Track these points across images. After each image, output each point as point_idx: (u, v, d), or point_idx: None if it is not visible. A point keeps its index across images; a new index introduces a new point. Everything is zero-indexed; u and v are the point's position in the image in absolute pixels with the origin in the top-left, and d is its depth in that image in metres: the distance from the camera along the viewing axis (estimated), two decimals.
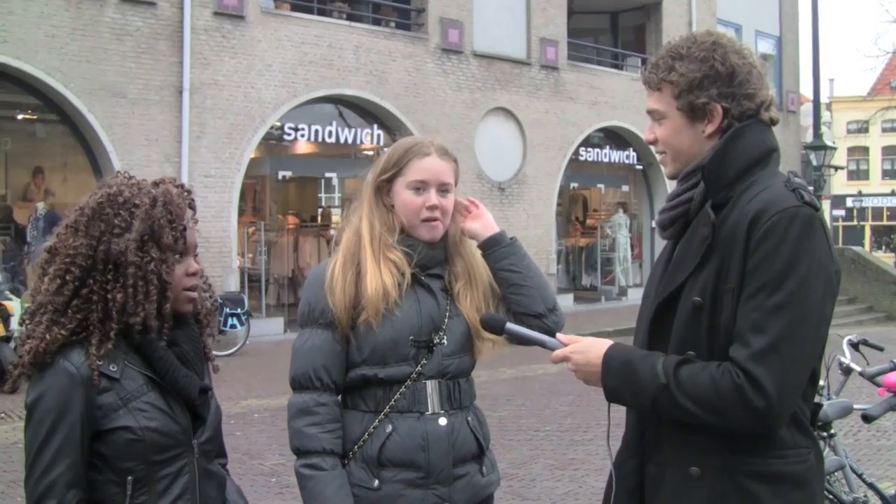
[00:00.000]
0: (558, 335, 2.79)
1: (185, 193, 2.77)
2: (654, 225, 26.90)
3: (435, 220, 3.15)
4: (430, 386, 3.08)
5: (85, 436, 2.49)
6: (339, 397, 3.15)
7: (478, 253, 3.28)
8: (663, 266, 2.77)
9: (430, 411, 3.07)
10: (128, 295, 2.54)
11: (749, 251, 2.45)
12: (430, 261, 3.19)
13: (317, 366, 3.08)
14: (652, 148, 2.81)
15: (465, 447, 3.11)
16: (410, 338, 3.07)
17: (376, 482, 3.02)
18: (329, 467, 3.01)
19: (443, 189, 3.17)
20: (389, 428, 3.04)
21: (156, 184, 2.74)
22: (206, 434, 2.72)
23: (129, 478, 2.53)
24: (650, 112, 2.74)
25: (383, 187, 3.22)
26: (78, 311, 2.54)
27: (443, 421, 3.08)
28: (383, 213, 3.19)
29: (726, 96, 2.61)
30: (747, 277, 2.45)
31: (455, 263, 3.24)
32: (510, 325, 2.93)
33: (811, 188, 22.22)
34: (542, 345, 2.83)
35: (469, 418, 3.16)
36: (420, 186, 3.14)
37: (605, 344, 2.68)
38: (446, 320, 3.15)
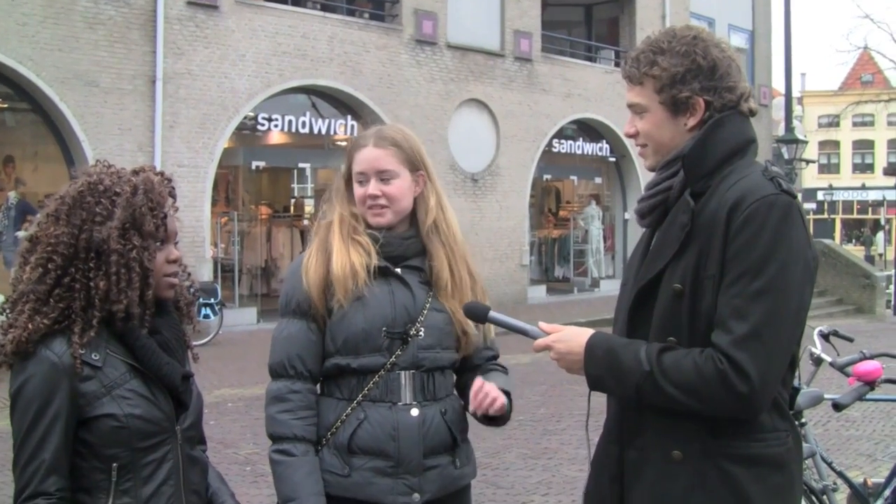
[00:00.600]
0: (540, 324, 2.79)
1: (166, 181, 2.78)
2: (627, 216, 27.09)
3: (378, 206, 3.16)
4: (404, 377, 3.10)
5: (69, 424, 2.49)
6: (316, 384, 3.17)
7: (459, 243, 3.27)
8: (641, 254, 2.79)
9: (402, 402, 3.09)
10: (110, 282, 2.55)
11: (729, 238, 2.48)
12: (406, 251, 3.20)
13: (291, 354, 3.11)
14: (631, 141, 2.83)
15: (436, 438, 3.12)
16: (384, 329, 3.08)
17: (347, 469, 3.05)
18: (299, 453, 3.04)
19: (382, 177, 3.16)
20: (361, 416, 3.06)
21: (136, 172, 2.73)
22: (188, 420, 2.74)
23: (114, 464, 2.54)
24: (631, 106, 2.76)
25: (348, 181, 3.25)
26: (60, 299, 2.55)
27: (414, 412, 3.09)
28: (351, 205, 3.23)
29: (708, 90, 2.64)
30: (728, 264, 2.48)
31: (433, 256, 3.22)
32: (493, 314, 2.93)
33: None
34: (525, 333, 2.84)
35: (444, 410, 3.16)
36: (362, 179, 3.18)
37: (587, 333, 2.70)
38: (425, 312, 3.15)
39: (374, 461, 3.04)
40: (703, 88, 2.64)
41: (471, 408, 3.09)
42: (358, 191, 3.18)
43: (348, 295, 3.08)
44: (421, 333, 3.12)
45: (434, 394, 3.15)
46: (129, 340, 2.61)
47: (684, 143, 2.67)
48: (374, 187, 3.14)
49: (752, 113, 2.75)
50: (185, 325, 2.88)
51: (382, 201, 3.15)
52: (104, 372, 2.55)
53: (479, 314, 2.95)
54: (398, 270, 3.17)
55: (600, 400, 2.80)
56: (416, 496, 3.06)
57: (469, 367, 3.31)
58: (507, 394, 3.12)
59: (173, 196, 2.79)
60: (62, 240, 2.56)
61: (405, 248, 3.20)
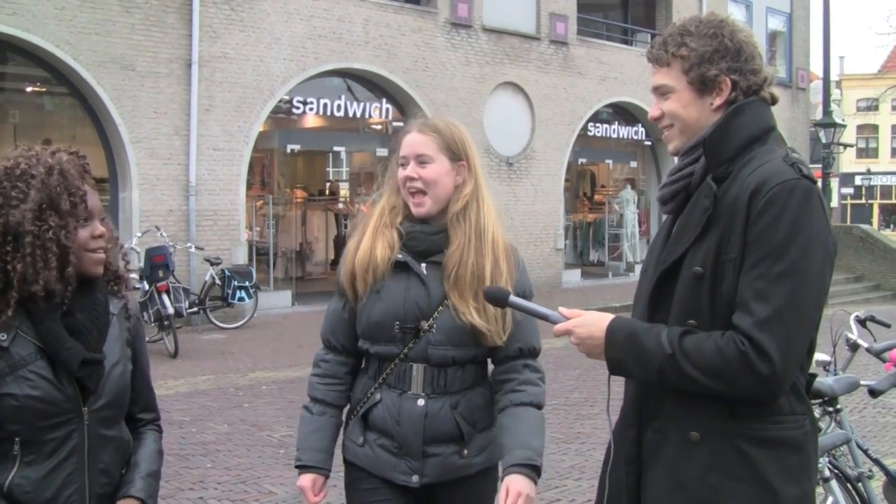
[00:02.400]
0: (561, 308, 2.83)
1: (80, 159, 2.82)
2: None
3: (415, 192, 3.29)
4: (416, 369, 3.27)
5: None
6: (350, 357, 3.46)
7: (489, 235, 3.32)
8: (663, 239, 2.83)
9: (411, 391, 3.27)
10: (26, 264, 2.62)
11: (750, 222, 2.52)
12: (431, 246, 3.31)
13: (327, 329, 3.48)
14: (657, 125, 2.87)
15: (440, 429, 3.26)
16: (396, 323, 3.25)
17: (361, 439, 3.34)
18: (315, 412, 3.44)
19: (420, 161, 3.30)
20: (378, 397, 3.32)
21: (52, 153, 2.78)
22: (100, 401, 2.79)
23: (17, 439, 2.66)
24: (657, 88, 2.81)
25: (397, 169, 3.39)
26: None
27: (420, 402, 3.26)
28: (396, 192, 3.39)
29: (735, 70, 2.71)
30: (749, 248, 2.51)
31: (450, 244, 3.29)
32: (513, 298, 2.96)
33: (820, 165, 21.99)
34: (545, 318, 2.87)
35: (456, 404, 3.28)
36: (403, 162, 3.34)
37: (607, 317, 2.73)
38: (440, 308, 3.26)
39: (383, 439, 3.30)
40: (730, 69, 2.71)
41: None
42: (399, 173, 3.33)
43: (366, 287, 3.30)
44: (433, 330, 3.25)
45: (445, 387, 3.28)
46: (34, 323, 2.69)
47: (709, 124, 2.72)
48: (410, 169, 3.29)
49: (775, 100, 2.80)
50: (114, 301, 2.91)
51: (418, 184, 3.28)
52: (10, 352, 2.65)
53: (499, 298, 2.98)
54: (423, 266, 3.29)
55: (622, 384, 2.82)
56: (416, 478, 3.26)
57: (499, 358, 3.38)
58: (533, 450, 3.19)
59: (88, 172, 2.83)
60: None
61: (430, 244, 3.31)
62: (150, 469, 2.97)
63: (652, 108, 2.86)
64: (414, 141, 3.32)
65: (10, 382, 2.63)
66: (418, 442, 3.24)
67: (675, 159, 2.83)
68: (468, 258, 3.25)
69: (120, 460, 2.90)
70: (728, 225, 2.56)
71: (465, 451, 3.30)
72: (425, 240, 3.30)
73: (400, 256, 3.28)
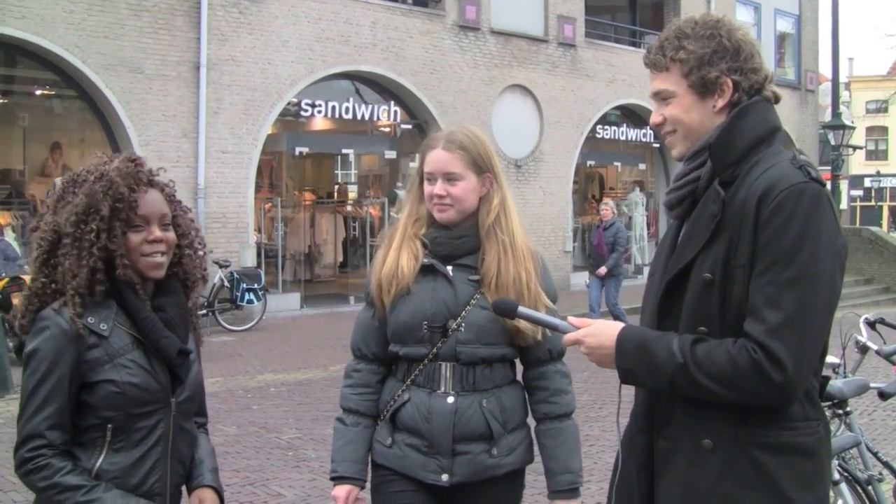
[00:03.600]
0: (570, 318, 2.83)
1: (135, 167, 2.94)
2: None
3: (443, 205, 3.37)
4: (445, 367, 3.34)
5: (72, 386, 2.76)
6: (381, 365, 3.50)
7: (519, 243, 3.43)
8: (670, 244, 2.80)
9: (441, 389, 3.34)
10: (72, 263, 2.79)
11: (759, 227, 2.49)
12: (455, 250, 3.40)
13: (358, 338, 3.52)
14: (659, 130, 2.85)
15: (469, 427, 3.32)
16: (425, 322, 3.33)
17: (389, 440, 3.39)
18: (350, 424, 3.44)
19: (448, 178, 3.37)
20: (406, 397, 3.36)
21: (111, 161, 2.95)
22: (184, 394, 2.98)
23: (109, 426, 2.81)
24: (657, 93, 2.78)
25: (421, 178, 3.46)
26: (44, 276, 2.84)
27: (450, 400, 3.32)
28: (419, 202, 3.47)
29: (735, 70, 2.67)
30: (758, 253, 2.48)
31: (486, 253, 3.39)
32: (522, 309, 2.98)
33: (829, 167, 21.86)
34: (555, 328, 2.89)
35: (485, 402, 3.35)
36: (430, 178, 3.40)
37: (617, 326, 2.71)
38: (468, 308, 3.34)
39: (412, 438, 3.35)
40: (731, 69, 2.67)
41: None
42: (427, 188, 3.40)
43: (394, 295, 3.37)
44: (462, 328, 3.32)
45: (474, 385, 3.35)
46: (133, 314, 2.86)
47: (713, 127, 2.69)
48: (440, 188, 3.37)
49: (777, 99, 2.77)
50: (190, 304, 3.10)
51: (448, 200, 3.37)
52: (109, 341, 2.81)
53: (508, 310, 3.02)
54: (449, 269, 3.39)
55: (631, 392, 2.80)
56: (446, 476, 3.31)
57: (530, 361, 3.49)
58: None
59: (150, 180, 2.95)
60: (50, 227, 2.86)
61: (454, 248, 3.40)
62: (213, 465, 3.15)
63: (653, 114, 2.83)
64: (441, 159, 3.37)
65: (110, 370, 2.79)
66: (448, 439, 3.29)
67: (681, 163, 2.81)
68: (505, 266, 3.36)
69: (190, 453, 3.08)
70: (736, 230, 2.53)
71: (495, 451, 3.35)
72: (450, 244, 3.40)
73: (425, 260, 3.37)
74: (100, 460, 2.80)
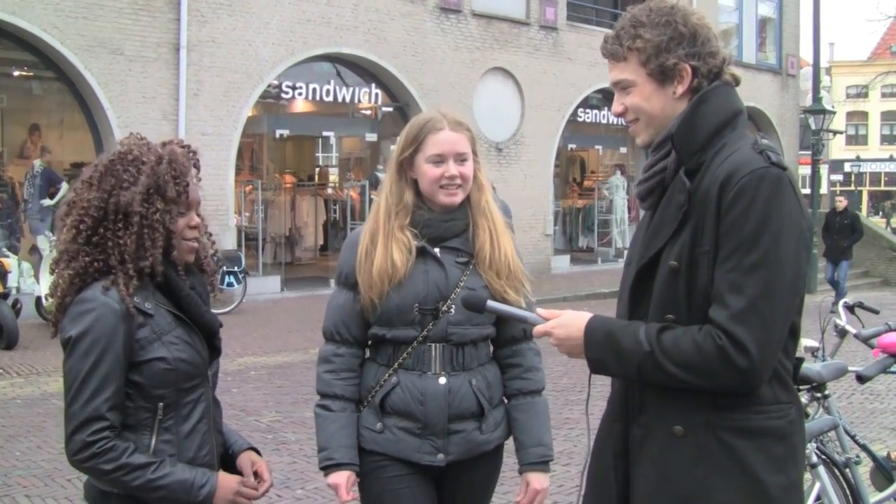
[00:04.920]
0: (539, 310, 2.87)
1: (191, 153, 3.04)
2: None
3: (453, 187, 3.38)
4: (435, 349, 3.36)
5: (125, 365, 2.79)
6: (361, 349, 3.50)
7: (501, 221, 3.50)
8: (643, 234, 2.82)
9: (431, 371, 3.36)
10: (134, 241, 2.81)
11: (721, 214, 2.51)
12: (446, 232, 3.43)
13: (338, 322, 3.46)
14: (622, 119, 2.87)
15: (462, 405, 3.37)
16: (416, 305, 3.34)
17: (379, 425, 3.37)
18: (337, 409, 3.40)
19: (460, 159, 3.39)
20: (395, 381, 3.37)
21: (164, 144, 2.99)
22: (214, 367, 3.09)
23: (161, 404, 2.86)
24: (617, 83, 2.79)
25: (405, 163, 3.44)
26: (87, 254, 2.83)
27: (442, 380, 3.36)
28: (402, 188, 3.44)
29: (693, 56, 2.68)
30: (721, 239, 2.51)
31: (479, 229, 3.44)
32: (491, 303, 3.05)
33: (809, 152, 22.05)
34: (524, 321, 2.95)
35: (473, 380, 3.41)
36: (438, 159, 3.37)
37: (585, 316, 2.74)
38: (457, 290, 3.36)
39: (404, 422, 3.35)
40: (688, 55, 2.68)
41: None
42: (433, 171, 3.37)
43: (385, 289, 3.34)
44: (452, 310, 3.35)
45: (463, 365, 3.40)
46: (175, 292, 2.92)
47: (675, 113, 2.70)
48: (454, 168, 3.37)
49: (737, 81, 2.78)
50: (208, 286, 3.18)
51: (458, 181, 3.39)
52: (155, 320, 2.86)
53: (477, 304, 3.09)
54: (436, 251, 3.40)
55: (605, 381, 2.83)
56: (441, 456, 3.35)
57: (505, 339, 3.55)
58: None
59: (197, 167, 3.07)
60: (93, 203, 2.83)
61: (444, 230, 3.42)
62: (236, 432, 3.28)
63: (614, 103, 2.83)
64: (453, 139, 3.39)
65: (159, 347, 2.84)
66: (443, 419, 3.34)
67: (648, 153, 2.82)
68: (498, 243, 3.44)
69: (221, 422, 3.16)
70: (701, 217, 2.55)
71: (484, 426, 3.42)
72: (440, 226, 3.42)
73: (417, 243, 3.38)
74: (153, 440, 2.84)
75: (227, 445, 3.17)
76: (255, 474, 3.09)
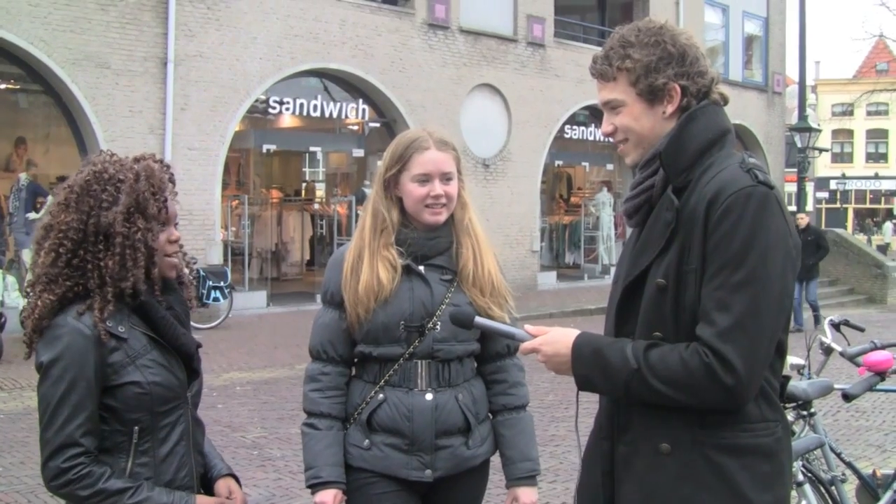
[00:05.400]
0: (526, 326, 2.86)
1: (165, 168, 2.99)
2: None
3: (439, 206, 3.39)
4: (421, 365, 3.38)
5: (97, 390, 2.77)
6: (347, 367, 3.50)
7: (484, 239, 3.53)
8: (630, 252, 2.83)
9: (418, 387, 3.38)
10: (117, 262, 2.79)
11: (708, 232, 2.51)
12: (430, 251, 3.44)
13: (324, 340, 3.46)
14: (610, 140, 2.86)
15: (449, 421, 3.39)
16: (402, 322, 3.35)
17: (367, 442, 3.38)
18: (324, 427, 3.39)
19: (445, 178, 3.40)
20: (382, 398, 3.37)
21: (137, 160, 2.95)
22: (195, 387, 3.06)
23: (136, 427, 2.84)
24: (606, 103, 2.79)
25: (390, 182, 3.45)
26: (68, 278, 2.81)
27: (429, 396, 3.37)
28: (388, 206, 3.45)
29: (682, 75, 2.69)
30: (708, 257, 2.51)
31: (462, 247, 3.46)
32: (479, 319, 3.04)
33: (795, 169, 22.04)
34: (511, 337, 2.94)
35: (460, 396, 3.43)
36: (424, 178, 3.38)
37: (572, 333, 2.74)
38: (443, 307, 3.38)
39: (391, 438, 3.36)
40: (677, 74, 2.68)
41: None
42: (419, 190, 3.38)
43: (371, 306, 3.35)
44: (437, 327, 3.37)
45: (449, 381, 3.42)
46: (149, 314, 2.89)
47: (664, 133, 2.70)
48: (440, 188, 3.38)
49: (725, 101, 2.78)
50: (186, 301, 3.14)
51: (443, 200, 3.40)
52: (128, 343, 2.83)
53: (464, 320, 3.08)
54: (421, 269, 3.42)
55: (593, 398, 2.83)
56: (429, 472, 3.37)
57: (490, 355, 3.58)
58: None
59: (172, 181, 3.01)
60: (72, 226, 2.80)
61: (429, 248, 3.44)
62: (219, 454, 3.25)
63: (604, 123, 2.83)
64: (439, 159, 3.39)
65: (133, 371, 2.82)
66: (431, 435, 3.35)
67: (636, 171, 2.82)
68: (481, 260, 3.47)
69: (204, 443, 3.14)
70: (688, 235, 2.56)
71: (470, 442, 3.44)
72: (424, 244, 3.43)
73: (402, 261, 3.39)
74: (129, 464, 2.83)
75: (208, 468, 3.15)
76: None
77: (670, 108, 2.69)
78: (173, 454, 2.92)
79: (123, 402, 2.80)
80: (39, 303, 2.79)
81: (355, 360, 3.50)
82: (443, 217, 3.42)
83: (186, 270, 3.14)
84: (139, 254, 2.81)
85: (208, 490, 3.09)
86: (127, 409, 2.81)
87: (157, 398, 2.84)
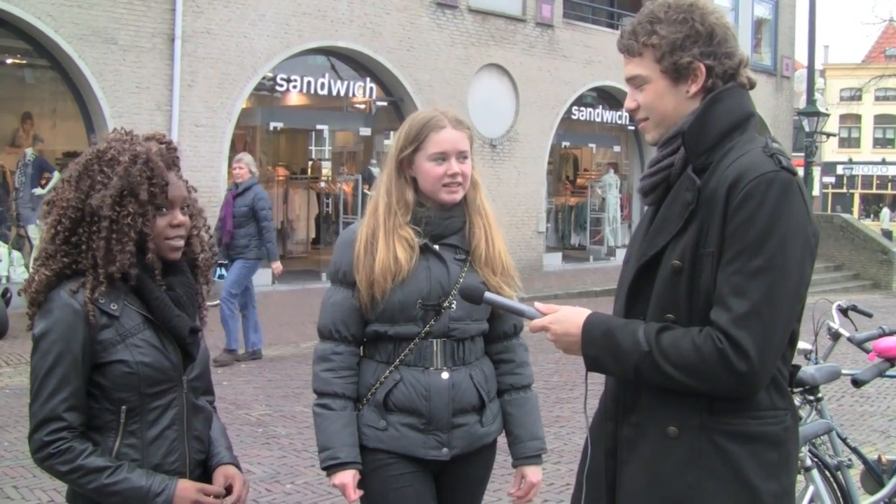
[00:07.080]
0: (537, 304, 2.83)
1: (170, 150, 2.97)
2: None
3: (455, 185, 3.41)
4: (436, 344, 3.40)
5: (85, 367, 2.77)
6: (359, 347, 3.50)
7: (494, 219, 3.56)
8: (644, 231, 2.79)
9: (434, 367, 3.40)
10: (102, 246, 2.78)
11: (728, 216, 2.48)
12: (445, 230, 3.46)
13: (336, 320, 3.44)
14: (633, 115, 2.84)
15: (465, 399, 3.42)
16: (419, 301, 3.37)
17: (383, 422, 3.38)
18: (337, 408, 3.39)
19: (462, 157, 3.43)
20: (397, 377, 3.38)
21: (147, 138, 2.96)
22: (195, 371, 3.02)
23: (123, 407, 2.82)
24: (631, 79, 2.76)
25: (405, 161, 3.45)
26: (65, 255, 2.81)
27: (445, 375, 3.40)
28: (402, 186, 3.45)
29: (708, 55, 2.65)
30: (727, 242, 2.48)
31: (474, 227, 3.49)
32: (489, 295, 3.03)
33: (802, 154, 21.94)
34: (521, 314, 2.91)
35: (473, 374, 3.46)
36: (441, 157, 3.40)
37: (583, 313, 2.71)
38: (457, 285, 3.39)
39: (408, 418, 3.37)
40: (704, 54, 2.65)
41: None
42: (436, 169, 3.40)
43: (388, 286, 3.35)
44: (453, 306, 3.40)
45: (464, 359, 3.45)
46: (144, 294, 2.87)
47: (687, 113, 2.67)
48: (457, 166, 3.40)
49: (752, 84, 2.76)
50: (199, 285, 3.11)
51: (460, 178, 3.42)
52: (120, 322, 2.82)
53: (474, 296, 3.07)
54: (436, 247, 3.44)
55: (600, 379, 2.80)
56: (445, 450, 3.39)
57: (497, 335, 3.61)
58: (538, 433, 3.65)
59: (177, 165, 2.99)
60: (71, 204, 2.81)
61: (444, 227, 3.46)
62: (227, 443, 3.20)
63: (627, 98, 2.81)
64: (455, 137, 3.42)
65: (122, 350, 2.80)
66: (448, 414, 3.37)
67: (655, 149, 2.79)
68: (492, 240, 3.50)
69: (206, 429, 3.11)
70: (707, 218, 2.53)
71: (484, 419, 3.48)
72: (440, 224, 3.45)
73: (419, 240, 3.40)
74: (117, 443, 2.82)
75: (211, 455, 3.11)
76: (228, 489, 3.04)
77: (694, 88, 2.66)
78: (163, 437, 2.89)
79: (111, 381, 2.79)
80: (37, 277, 2.82)
81: (365, 339, 3.49)
82: (459, 195, 3.43)
83: (205, 254, 3.11)
84: (126, 238, 2.78)
85: (209, 478, 3.05)
86: (114, 387, 2.80)
87: (144, 378, 2.82)
